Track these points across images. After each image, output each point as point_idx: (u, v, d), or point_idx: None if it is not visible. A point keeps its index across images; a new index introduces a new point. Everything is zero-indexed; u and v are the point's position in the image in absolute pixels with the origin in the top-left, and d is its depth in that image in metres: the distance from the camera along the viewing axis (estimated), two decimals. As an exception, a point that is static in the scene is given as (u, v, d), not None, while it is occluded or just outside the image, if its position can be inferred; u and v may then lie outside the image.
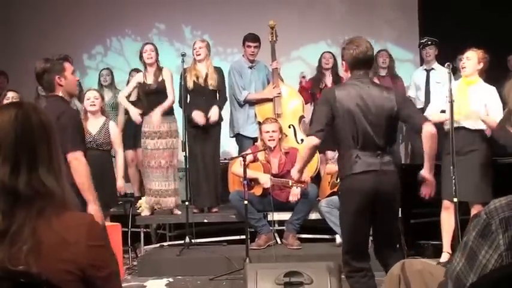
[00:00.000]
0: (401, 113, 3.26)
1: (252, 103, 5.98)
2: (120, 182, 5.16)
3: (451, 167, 4.24)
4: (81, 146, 3.36)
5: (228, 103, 6.02)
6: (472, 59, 4.59)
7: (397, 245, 3.65)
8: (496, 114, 4.49)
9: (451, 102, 4.28)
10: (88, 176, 3.28)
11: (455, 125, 4.43)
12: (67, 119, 3.30)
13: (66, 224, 1.35)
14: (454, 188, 4.16)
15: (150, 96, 5.67)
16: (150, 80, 5.69)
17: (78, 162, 3.25)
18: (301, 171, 3.51)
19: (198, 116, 5.57)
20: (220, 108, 5.79)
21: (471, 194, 4.47)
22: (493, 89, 4.64)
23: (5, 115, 1.38)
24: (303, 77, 6.68)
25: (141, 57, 5.82)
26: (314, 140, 3.23)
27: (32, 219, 1.32)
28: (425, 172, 3.34)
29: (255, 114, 5.96)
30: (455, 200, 4.24)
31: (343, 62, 3.34)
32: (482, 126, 4.58)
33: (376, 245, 3.43)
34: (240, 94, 5.96)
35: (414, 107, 3.53)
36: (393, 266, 1.91)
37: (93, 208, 3.20)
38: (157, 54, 5.78)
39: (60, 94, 3.44)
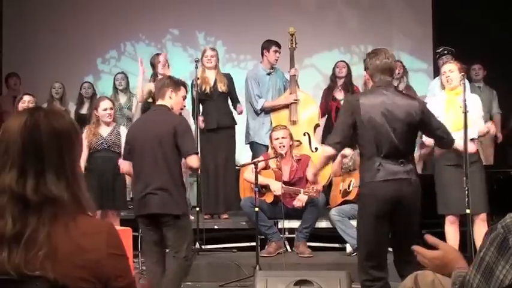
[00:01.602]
0: (427, 123, 3.32)
1: (268, 110, 5.98)
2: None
3: (464, 178, 4.25)
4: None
5: (245, 111, 6.05)
6: (454, 71, 4.68)
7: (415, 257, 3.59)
8: (480, 121, 4.74)
9: (465, 112, 4.31)
10: None
11: (454, 136, 4.48)
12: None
13: (84, 230, 1.36)
14: (466, 199, 4.21)
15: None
16: None
17: None
18: (316, 174, 3.62)
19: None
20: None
21: (477, 206, 4.47)
22: (476, 96, 4.89)
23: (15, 122, 1.39)
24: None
25: (153, 66, 5.88)
26: (330, 152, 3.26)
27: (46, 225, 1.32)
28: None
29: (271, 122, 5.94)
30: (468, 211, 4.26)
31: (366, 72, 3.40)
32: (476, 135, 4.68)
33: (395, 254, 3.42)
34: (256, 103, 5.93)
35: (435, 118, 3.55)
36: (406, 278, 1.90)
37: None
38: (169, 65, 5.84)
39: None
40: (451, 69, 4.72)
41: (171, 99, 3.88)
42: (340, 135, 3.24)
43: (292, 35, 6.14)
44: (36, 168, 1.37)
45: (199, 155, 3.90)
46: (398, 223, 3.28)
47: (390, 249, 3.55)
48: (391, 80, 3.40)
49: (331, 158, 3.42)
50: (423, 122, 3.29)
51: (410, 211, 3.30)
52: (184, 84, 4.05)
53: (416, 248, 1.76)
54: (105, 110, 5.20)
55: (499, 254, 1.33)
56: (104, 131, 5.24)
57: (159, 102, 3.93)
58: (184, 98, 4.06)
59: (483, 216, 4.61)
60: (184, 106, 4.34)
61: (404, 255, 3.28)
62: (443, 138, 3.42)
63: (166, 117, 3.82)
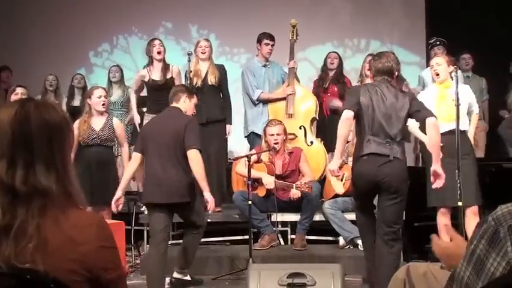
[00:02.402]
0: (411, 110, 3.81)
1: (266, 102, 5.98)
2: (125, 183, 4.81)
3: (456, 171, 4.27)
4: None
5: (241, 103, 6.07)
6: (442, 64, 4.72)
7: (395, 238, 3.82)
8: (476, 109, 4.93)
9: (458, 105, 4.33)
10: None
11: (446, 129, 4.53)
12: None
13: (74, 223, 1.35)
14: (459, 192, 4.23)
15: (157, 92, 5.66)
16: (156, 76, 5.69)
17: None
18: (341, 156, 3.91)
19: None
20: (227, 108, 5.83)
21: (469, 198, 4.48)
22: (467, 87, 4.97)
23: (5, 112, 1.38)
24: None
25: (147, 52, 5.84)
26: (349, 113, 3.76)
27: (35, 217, 1.31)
28: (435, 165, 3.85)
29: (268, 113, 5.94)
30: (460, 204, 4.28)
31: (369, 72, 4.04)
32: (467, 127, 4.75)
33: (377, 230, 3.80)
34: (253, 93, 5.95)
35: (423, 105, 3.97)
36: (398, 270, 1.90)
37: (208, 195, 4.19)
38: (165, 50, 5.79)
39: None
40: (438, 62, 4.76)
41: (184, 103, 4.37)
42: (353, 101, 3.79)
43: (294, 26, 6.13)
44: (26, 159, 1.35)
45: (197, 151, 4.19)
46: (382, 199, 3.78)
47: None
48: (386, 78, 3.89)
49: (351, 120, 3.81)
50: (410, 109, 3.81)
51: (393, 189, 3.73)
52: (197, 94, 4.64)
53: (432, 237, 1.78)
54: (100, 97, 5.11)
55: (489, 247, 1.33)
56: (97, 123, 5.14)
57: (174, 104, 4.38)
58: (196, 105, 4.50)
59: (475, 208, 4.63)
60: (194, 113, 4.53)
61: (380, 232, 3.78)
62: (418, 111, 3.83)
63: (180, 116, 4.30)
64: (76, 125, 5.09)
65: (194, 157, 4.15)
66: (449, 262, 1.71)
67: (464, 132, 4.66)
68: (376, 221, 3.88)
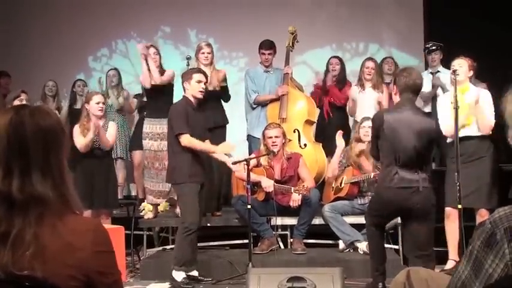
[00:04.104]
0: (437, 139, 3.98)
1: (265, 106, 6.05)
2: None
3: (456, 174, 4.25)
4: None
5: (240, 106, 6.16)
6: (463, 67, 4.66)
7: (428, 255, 3.87)
8: (491, 115, 4.63)
9: (456, 108, 4.31)
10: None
11: (464, 134, 4.51)
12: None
13: (72, 228, 1.35)
14: (458, 194, 4.20)
15: (154, 97, 5.67)
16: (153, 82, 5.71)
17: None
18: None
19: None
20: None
21: (477, 201, 4.47)
22: (486, 92, 4.79)
23: (0, 120, 1.38)
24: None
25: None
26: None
27: (32, 225, 1.31)
28: None
29: (266, 117, 5.99)
30: (459, 206, 4.26)
31: (395, 86, 3.85)
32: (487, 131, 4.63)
33: (408, 253, 3.97)
34: (250, 97, 6.08)
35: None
36: (398, 274, 1.90)
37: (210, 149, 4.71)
38: (160, 56, 5.83)
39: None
40: (460, 63, 4.68)
41: (188, 90, 4.65)
42: (375, 148, 3.85)
43: (292, 33, 6.15)
44: (22, 166, 1.35)
45: (183, 136, 4.52)
46: (413, 226, 3.79)
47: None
48: (414, 98, 3.84)
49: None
50: (437, 138, 3.92)
51: (424, 216, 3.75)
52: (195, 71, 4.75)
53: None
54: (98, 103, 5.17)
55: (487, 248, 1.35)
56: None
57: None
58: (199, 81, 4.63)
59: (484, 212, 4.55)
60: (204, 89, 4.65)
61: (412, 255, 3.85)
62: None
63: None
64: (77, 130, 5.14)
65: (181, 141, 4.54)
66: None
67: (484, 137, 4.59)
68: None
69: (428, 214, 3.79)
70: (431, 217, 3.85)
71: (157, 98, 5.65)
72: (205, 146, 4.65)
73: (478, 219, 4.57)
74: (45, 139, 1.39)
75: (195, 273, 4.58)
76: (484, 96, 4.68)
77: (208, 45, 5.87)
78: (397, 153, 3.68)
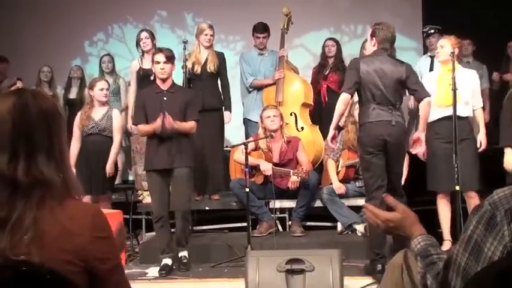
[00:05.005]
0: (408, 82, 4.19)
1: (260, 89, 6.02)
2: (109, 167, 5.17)
3: (453, 155, 4.27)
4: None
5: (237, 91, 6.11)
6: (445, 47, 4.64)
7: (402, 192, 4.28)
8: (479, 97, 4.83)
9: (454, 90, 4.31)
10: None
11: (445, 113, 4.53)
12: None
13: (71, 213, 1.35)
14: (456, 176, 4.23)
15: (147, 80, 5.63)
16: (147, 65, 5.68)
17: None
18: (335, 127, 4.25)
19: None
20: (227, 98, 5.81)
21: (467, 183, 4.47)
22: (473, 72, 4.83)
23: (3, 104, 1.36)
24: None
25: (138, 45, 5.90)
26: (346, 96, 4.16)
27: (33, 209, 1.30)
28: (419, 132, 4.27)
29: (262, 101, 5.97)
30: (457, 188, 4.29)
31: (373, 38, 4.21)
32: (470, 113, 4.69)
33: (388, 188, 4.09)
34: (246, 80, 6.03)
35: (421, 84, 4.32)
36: (395, 256, 1.90)
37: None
38: (153, 39, 5.81)
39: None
40: (442, 44, 4.69)
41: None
42: (350, 83, 4.15)
43: (286, 15, 6.08)
44: (27, 150, 1.34)
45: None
46: (390, 159, 4.16)
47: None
48: (387, 48, 4.23)
49: (348, 101, 4.26)
50: (406, 81, 4.17)
51: (399, 148, 4.20)
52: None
53: (369, 207, 1.77)
54: (102, 90, 5.19)
55: (486, 231, 1.33)
56: (97, 114, 5.22)
57: None
58: (157, 62, 4.50)
59: (473, 193, 4.62)
60: (163, 69, 4.49)
61: (395, 188, 4.14)
62: (416, 91, 4.22)
63: None
64: (78, 117, 5.18)
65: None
66: (392, 234, 1.73)
67: (464, 118, 4.62)
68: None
69: (400, 150, 4.23)
70: (403, 155, 4.35)
71: (143, 82, 5.63)
72: (149, 126, 4.45)
73: (468, 201, 4.61)
74: (48, 122, 1.39)
75: (167, 261, 4.52)
76: (473, 77, 4.75)
77: (211, 27, 5.83)
78: (372, 92, 4.12)
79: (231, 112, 5.86)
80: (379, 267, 4.03)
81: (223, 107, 5.82)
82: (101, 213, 1.40)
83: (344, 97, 4.17)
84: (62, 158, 1.41)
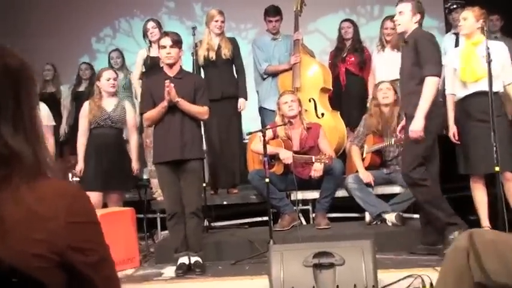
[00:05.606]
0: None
1: (276, 76, 5.72)
2: (134, 164, 4.94)
3: (492, 134, 3.92)
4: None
5: (253, 81, 5.82)
6: (468, 19, 4.29)
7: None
8: (510, 71, 4.36)
9: (489, 62, 3.97)
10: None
11: (473, 90, 4.22)
12: None
13: (41, 195, 1.03)
14: (495, 156, 3.89)
15: (156, 69, 5.35)
16: (154, 54, 5.42)
17: None
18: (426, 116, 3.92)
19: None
20: (243, 85, 5.52)
21: (503, 163, 4.09)
22: (501, 45, 4.42)
23: None
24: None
25: (145, 35, 5.72)
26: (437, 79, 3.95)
27: None
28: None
29: (278, 88, 5.66)
30: (496, 169, 3.93)
31: (416, 13, 4.03)
32: (500, 88, 4.33)
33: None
34: (260, 67, 5.75)
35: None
36: (457, 238, 1.56)
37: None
38: (160, 29, 5.61)
39: None
40: (464, 16, 4.34)
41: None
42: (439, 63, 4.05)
43: None
44: None
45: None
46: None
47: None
48: None
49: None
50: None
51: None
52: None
53: None
54: (109, 80, 4.92)
55: None
56: (108, 105, 4.92)
57: None
58: (163, 47, 4.18)
59: (509, 174, 4.29)
60: (169, 54, 4.16)
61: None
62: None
63: None
64: (87, 107, 4.91)
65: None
66: None
67: (495, 94, 4.25)
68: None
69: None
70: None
71: (152, 71, 5.38)
72: (156, 108, 4.15)
73: (505, 183, 4.27)
74: (16, 83, 1.09)
75: (184, 259, 4.17)
76: (502, 50, 4.34)
77: (221, 13, 5.56)
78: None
79: (246, 99, 5.53)
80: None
81: (239, 95, 5.51)
82: (82, 193, 1.08)
83: (436, 80, 3.94)
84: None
